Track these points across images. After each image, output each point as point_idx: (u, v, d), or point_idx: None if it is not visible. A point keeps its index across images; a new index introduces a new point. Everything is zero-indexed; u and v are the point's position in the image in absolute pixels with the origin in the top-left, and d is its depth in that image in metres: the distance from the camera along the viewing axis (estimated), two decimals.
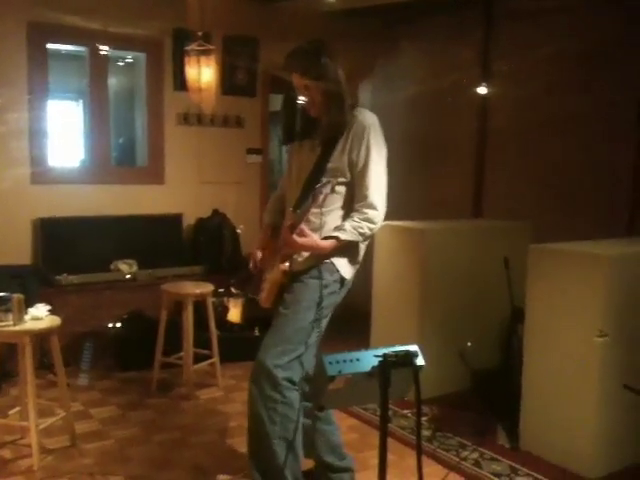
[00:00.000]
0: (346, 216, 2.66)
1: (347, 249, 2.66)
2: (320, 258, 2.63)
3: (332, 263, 2.64)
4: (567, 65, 4.71)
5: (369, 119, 2.65)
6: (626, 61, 4.37)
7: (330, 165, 2.62)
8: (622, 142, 4.41)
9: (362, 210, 2.61)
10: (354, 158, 2.62)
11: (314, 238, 2.57)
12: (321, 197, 2.46)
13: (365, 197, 2.61)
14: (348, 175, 2.64)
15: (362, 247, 2.76)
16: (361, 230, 2.60)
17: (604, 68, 4.49)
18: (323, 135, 2.65)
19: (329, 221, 2.64)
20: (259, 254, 2.89)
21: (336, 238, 2.58)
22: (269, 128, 6.05)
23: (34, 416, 3.16)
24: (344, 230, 2.59)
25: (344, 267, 2.68)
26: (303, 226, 2.53)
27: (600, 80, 4.52)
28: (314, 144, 2.69)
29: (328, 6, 5.22)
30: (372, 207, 2.60)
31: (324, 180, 2.55)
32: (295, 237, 2.52)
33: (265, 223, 2.99)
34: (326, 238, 2.59)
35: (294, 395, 2.58)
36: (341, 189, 2.65)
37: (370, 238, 2.72)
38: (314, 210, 2.55)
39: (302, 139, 2.77)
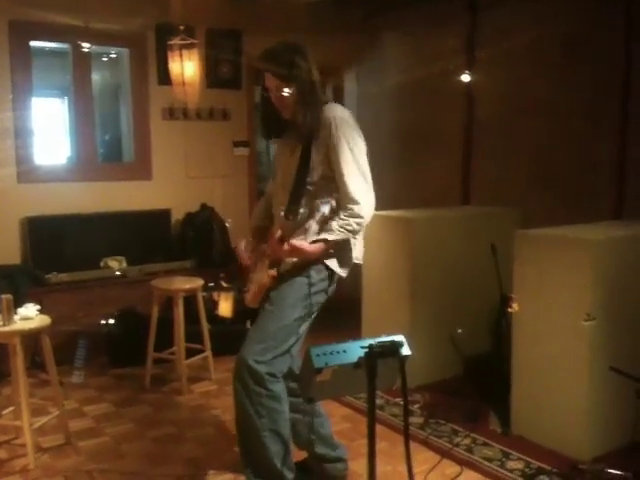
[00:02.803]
0: (334, 214, 2.60)
1: (338, 248, 2.63)
2: (310, 263, 2.60)
3: (322, 263, 2.61)
4: (552, 52, 4.71)
5: (336, 112, 2.58)
6: (610, 46, 4.38)
7: (311, 168, 2.58)
8: (607, 127, 4.43)
9: (346, 206, 2.56)
10: (327, 156, 2.57)
11: (303, 244, 2.54)
12: (319, 215, 2.54)
13: (345, 193, 2.56)
14: (328, 174, 2.59)
15: (357, 243, 2.72)
16: (349, 227, 2.55)
17: (588, 54, 4.50)
18: (300, 137, 2.59)
19: (317, 222, 2.62)
20: (242, 245, 2.82)
21: (324, 240, 2.55)
22: (255, 120, 6.03)
23: (27, 415, 3.17)
24: (331, 230, 2.55)
25: (336, 266, 2.65)
26: (293, 241, 2.50)
27: (584, 66, 4.53)
28: (294, 147, 2.64)
29: None
30: (354, 202, 2.54)
31: (325, 199, 2.59)
32: (285, 247, 2.49)
33: (252, 226, 2.94)
34: (315, 242, 2.56)
35: (278, 387, 2.59)
36: (325, 187, 2.61)
37: (360, 232, 2.67)
38: (301, 210, 2.55)
39: (277, 137, 2.76)
